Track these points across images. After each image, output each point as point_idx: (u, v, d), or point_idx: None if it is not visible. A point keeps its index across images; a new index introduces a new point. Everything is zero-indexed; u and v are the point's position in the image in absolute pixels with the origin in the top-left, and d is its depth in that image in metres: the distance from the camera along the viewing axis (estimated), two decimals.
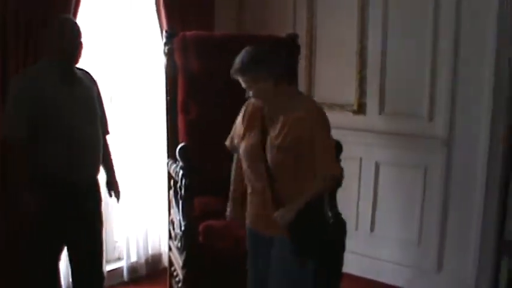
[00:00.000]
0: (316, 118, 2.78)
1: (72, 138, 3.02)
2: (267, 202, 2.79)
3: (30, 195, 2.95)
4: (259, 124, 2.84)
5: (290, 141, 2.71)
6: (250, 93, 2.77)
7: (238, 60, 2.76)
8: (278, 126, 2.76)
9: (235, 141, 2.96)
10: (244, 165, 2.89)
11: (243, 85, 2.78)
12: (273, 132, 2.76)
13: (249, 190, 2.91)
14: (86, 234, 3.25)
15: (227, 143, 3.02)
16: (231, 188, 3.08)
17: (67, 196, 3.04)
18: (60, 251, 3.28)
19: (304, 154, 2.72)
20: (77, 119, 3.04)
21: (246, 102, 2.96)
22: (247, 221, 2.96)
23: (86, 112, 3.13)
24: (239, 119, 2.96)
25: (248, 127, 2.88)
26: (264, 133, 2.81)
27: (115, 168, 3.48)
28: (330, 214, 3.50)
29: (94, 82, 3.29)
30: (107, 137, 3.41)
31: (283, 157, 2.74)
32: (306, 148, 2.71)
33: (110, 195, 3.45)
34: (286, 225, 2.69)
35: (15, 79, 3.05)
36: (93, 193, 3.28)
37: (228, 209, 3.09)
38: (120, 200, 3.54)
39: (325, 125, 2.81)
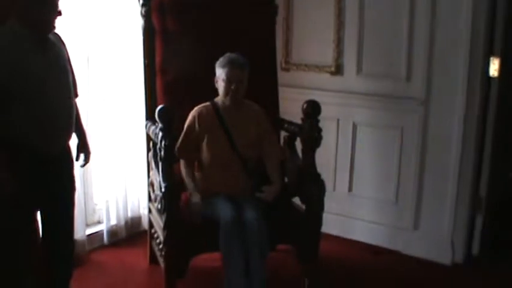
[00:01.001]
0: (264, 112, 3.67)
1: (45, 105, 2.91)
2: (240, 178, 3.52)
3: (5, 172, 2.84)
4: (218, 126, 3.51)
5: (258, 133, 3.59)
6: (233, 87, 3.44)
7: (237, 56, 3.45)
8: (244, 123, 3.55)
9: (190, 147, 3.53)
10: (211, 160, 3.52)
11: (236, 80, 3.43)
12: (242, 130, 3.53)
13: (216, 173, 3.52)
14: (58, 198, 3.20)
15: (180, 151, 3.50)
16: (191, 185, 3.51)
17: (38, 162, 2.97)
18: (34, 215, 3.25)
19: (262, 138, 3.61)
20: (50, 84, 2.93)
21: (196, 109, 3.56)
22: (215, 190, 3.48)
23: (59, 77, 3.03)
24: (191, 125, 3.54)
25: (205, 130, 3.51)
26: (226, 133, 3.50)
27: (85, 131, 3.42)
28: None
29: (64, 45, 3.19)
30: (77, 100, 3.34)
31: (253, 147, 3.56)
32: (265, 134, 3.62)
33: (77, 159, 3.38)
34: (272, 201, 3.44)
35: None
36: (65, 157, 3.23)
37: (193, 199, 3.43)
38: (86, 165, 3.48)
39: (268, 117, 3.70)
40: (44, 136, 2.95)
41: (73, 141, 3.32)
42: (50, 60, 2.97)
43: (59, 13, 2.92)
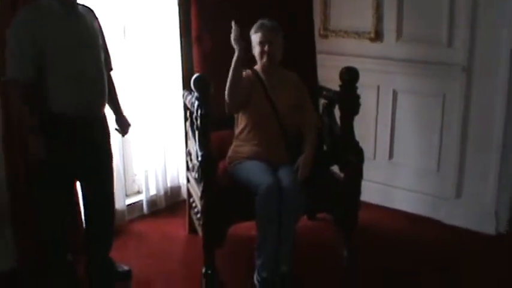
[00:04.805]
0: (300, 80, 3.68)
1: (75, 74, 2.99)
2: (279, 143, 3.52)
3: (40, 138, 2.92)
4: (260, 91, 3.52)
5: (297, 98, 3.60)
6: (266, 48, 3.47)
7: (268, 21, 3.50)
8: (282, 88, 3.56)
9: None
10: (251, 123, 3.52)
11: (270, 42, 3.46)
12: (281, 94, 3.53)
13: (255, 137, 3.53)
14: (95, 170, 3.26)
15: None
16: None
17: (73, 132, 3.03)
18: (72, 183, 3.34)
19: (300, 106, 3.60)
20: (78, 54, 3.00)
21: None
22: (253, 155, 3.48)
23: (88, 48, 3.08)
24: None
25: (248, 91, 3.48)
26: (267, 97, 3.51)
27: (121, 105, 3.46)
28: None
29: (96, 18, 3.24)
30: (111, 73, 3.38)
31: (292, 111, 3.54)
32: (301, 101, 3.62)
33: (118, 131, 3.44)
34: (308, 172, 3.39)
35: (15, 18, 2.96)
36: (100, 128, 3.28)
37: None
38: (126, 135, 3.55)
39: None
40: (76, 103, 3.02)
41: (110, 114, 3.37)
42: (77, 31, 3.04)
43: None
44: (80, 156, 3.10)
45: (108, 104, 3.31)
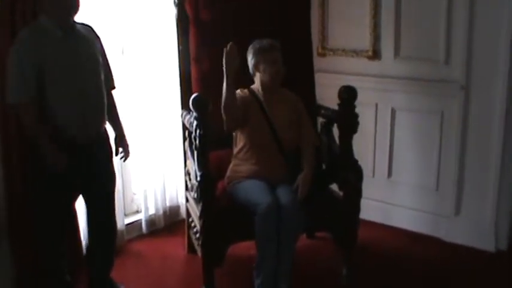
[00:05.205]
0: (299, 98, 3.69)
1: (74, 94, 3.01)
2: (277, 161, 3.52)
3: (58, 151, 2.97)
4: (257, 110, 3.52)
5: (296, 117, 3.61)
6: (276, 68, 3.50)
7: (268, 40, 3.52)
8: (281, 107, 3.56)
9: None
10: (249, 142, 3.53)
11: (276, 61, 3.50)
12: (279, 114, 3.53)
13: (253, 156, 3.53)
14: (95, 187, 3.27)
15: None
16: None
17: (75, 151, 3.04)
18: (73, 201, 3.35)
19: (298, 123, 3.62)
20: (78, 74, 3.03)
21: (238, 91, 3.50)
22: (252, 174, 3.48)
23: (87, 67, 3.10)
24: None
25: (245, 111, 3.46)
26: (265, 116, 3.51)
27: (122, 123, 3.46)
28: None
29: (97, 37, 3.25)
30: (113, 92, 3.39)
31: (290, 130, 3.56)
32: (299, 119, 3.63)
33: (117, 153, 3.42)
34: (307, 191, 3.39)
35: (15, 40, 2.99)
36: (101, 147, 3.28)
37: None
38: (127, 159, 3.51)
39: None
40: (75, 121, 3.04)
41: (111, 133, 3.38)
42: (77, 51, 3.06)
43: (77, 7, 3.02)
44: (77, 171, 3.10)
45: (108, 122, 3.32)
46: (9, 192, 3.42)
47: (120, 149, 3.43)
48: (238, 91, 3.51)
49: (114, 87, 3.39)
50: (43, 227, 3.20)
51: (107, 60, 3.31)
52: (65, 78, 2.98)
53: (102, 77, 3.20)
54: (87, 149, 3.12)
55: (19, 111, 3.00)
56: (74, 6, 3.00)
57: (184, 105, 3.79)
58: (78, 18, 3.11)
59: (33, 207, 3.28)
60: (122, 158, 3.47)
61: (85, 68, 3.08)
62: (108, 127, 3.37)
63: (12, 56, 2.92)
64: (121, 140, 3.44)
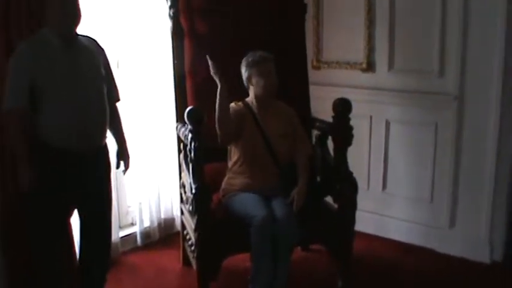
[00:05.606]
0: (293, 110, 3.70)
1: (75, 106, 2.97)
2: (272, 174, 3.53)
3: (29, 169, 2.91)
4: (252, 123, 3.53)
5: (290, 128, 3.63)
6: (269, 80, 3.50)
7: (261, 52, 3.52)
8: (275, 120, 3.57)
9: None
10: (243, 155, 3.54)
11: (270, 73, 3.50)
12: (273, 126, 3.55)
13: (247, 169, 3.54)
14: (93, 200, 3.22)
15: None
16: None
17: (72, 164, 3.01)
18: (68, 215, 3.29)
19: (292, 135, 3.63)
20: (79, 83, 3.00)
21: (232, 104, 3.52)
22: (246, 187, 3.49)
23: (88, 77, 3.08)
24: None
25: (239, 124, 3.48)
26: (259, 129, 3.52)
27: (125, 137, 3.44)
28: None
29: (100, 49, 3.23)
30: (117, 104, 3.38)
31: (284, 142, 3.57)
32: (293, 131, 3.64)
33: (117, 167, 3.41)
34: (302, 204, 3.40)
35: (16, 51, 2.99)
36: (100, 159, 3.25)
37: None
38: (126, 172, 3.49)
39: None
40: (74, 135, 2.99)
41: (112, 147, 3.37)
42: (77, 63, 3.02)
43: (79, 17, 3.01)
44: (76, 185, 3.07)
45: (111, 134, 3.31)
46: (2, 195, 3.38)
47: (121, 162, 3.42)
48: (232, 104, 3.52)
49: (118, 100, 3.37)
50: (36, 242, 3.17)
51: (111, 73, 3.29)
52: (64, 87, 2.94)
53: (105, 89, 3.17)
54: (86, 162, 3.09)
55: (9, 119, 2.98)
56: (76, 15, 2.99)
57: (179, 118, 3.80)
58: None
59: (27, 225, 3.25)
60: (123, 171, 3.45)
61: (86, 78, 3.04)
62: (109, 139, 3.34)
63: (10, 67, 2.92)
64: (123, 153, 3.42)
